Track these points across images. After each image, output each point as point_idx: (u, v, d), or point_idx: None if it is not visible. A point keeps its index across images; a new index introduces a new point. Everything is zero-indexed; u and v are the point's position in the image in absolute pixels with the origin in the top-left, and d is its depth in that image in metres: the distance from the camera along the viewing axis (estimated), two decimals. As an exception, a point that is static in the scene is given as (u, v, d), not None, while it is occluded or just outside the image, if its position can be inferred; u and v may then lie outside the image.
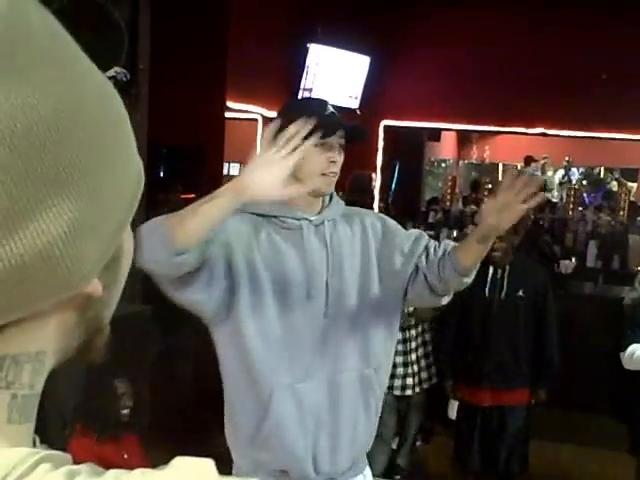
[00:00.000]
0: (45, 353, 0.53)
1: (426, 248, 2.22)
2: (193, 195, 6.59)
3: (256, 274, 2.05)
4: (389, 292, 2.23)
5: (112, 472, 0.50)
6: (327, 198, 2.19)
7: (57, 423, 3.39)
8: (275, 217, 2.10)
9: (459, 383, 4.33)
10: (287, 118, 1.93)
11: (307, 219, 2.13)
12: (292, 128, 1.81)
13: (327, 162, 2.05)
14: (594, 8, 7.95)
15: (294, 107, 2.20)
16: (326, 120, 2.03)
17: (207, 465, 0.51)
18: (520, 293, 4.10)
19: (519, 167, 12.91)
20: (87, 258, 0.48)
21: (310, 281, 2.10)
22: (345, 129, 2.12)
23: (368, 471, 2.35)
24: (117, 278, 0.57)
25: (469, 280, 2.20)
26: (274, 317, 2.07)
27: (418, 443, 5.19)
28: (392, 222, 2.32)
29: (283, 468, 2.14)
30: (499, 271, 4.09)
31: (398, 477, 4.41)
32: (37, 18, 0.46)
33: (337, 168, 2.09)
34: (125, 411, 3.30)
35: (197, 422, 4.83)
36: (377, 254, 2.22)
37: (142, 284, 4.75)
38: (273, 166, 1.79)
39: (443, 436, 5.15)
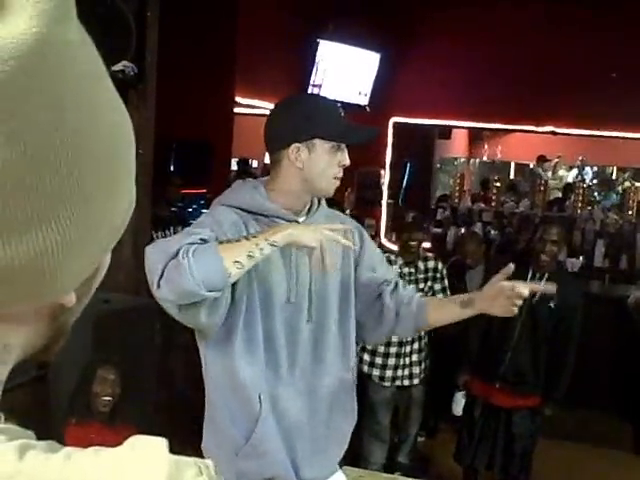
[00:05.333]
0: (13, 346, 0.56)
1: (396, 283, 2.27)
2: (203, 190, 6.62)
3: (249, 277, 2.02)
4: (358, 300, 2.25)
5: (65, 449, 0.52)
6: (316, 200, 2.18)
7: (62, 417, 3.42)
8: (264, 216, 2.07)
9: (474, 378, 4.29)
10: (307, 118, 2.01)
11: (296, 221, 2.09)
12: (342, 230, 2.01)
13: (338, 166, 2.07)
14: (606, 5, 7.92)
15: (315, 108, 2.09)
16: (348, 128, 2.08)
17: (160, 443, 0.52)
18: (551, 304, 4.03)
19: (531, 166, 12.87)
20: (70, 272, 0.51)
21: (291, 285, 2.09)
22: (367, 139, 2.17)
23: (340, 473, 2.35)
24: (89, 291, 0.59)
25: (413, 335, 2.25)
26: (258, 322, 2.05)
27: (422, 439, 5.19)
28: (367, 236, 2.35)
29: (267, 476, 2.13)
30: (537, 276, 4.02)
31: (399, 473, 4.41)
32: (76, 44, 0.48)
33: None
34: (106, 398, 3.29)
35: (198, 414, 4.85)
36: (355, 261, 2.24)
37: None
38: (316, 232, 1.90)
39: (448, 433, 5.16)
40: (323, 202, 2.21)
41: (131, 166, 0.55)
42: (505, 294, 2.03)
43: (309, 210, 2.16)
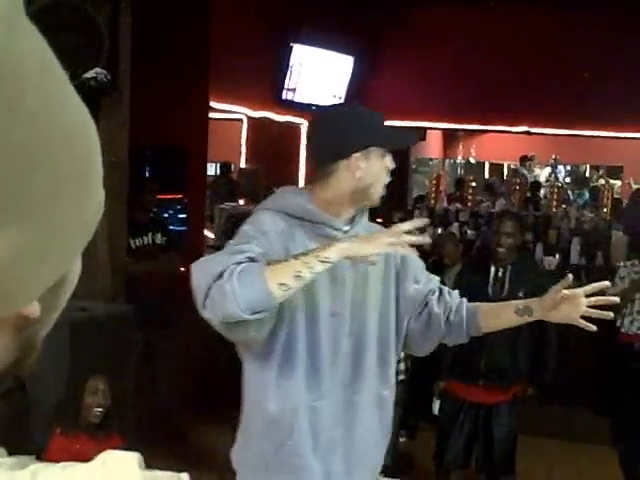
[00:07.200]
0: None
1: (440, 289, 2.23)
2: (179, 195, 6.60)
3: None
4: (401, 315, 2.21)
5: (32, 466, 0.51)
6: (359, 211, 2.16)
7: (43, 426, 3.39)
8: (310, 222, 2.05)
9: (453, 379, 4.26)
10: (360, 128, 2.04)
11: (342, 230, 2.08)
12: (409, 224, 1.96)
13: (388, 172, 2.10)
14: (576, 6, 8.00)
15: (365, 117, 2.10)
16: (395, 133, 2.18)
17: (131, 459, 0.52)
18: (521, 294, 3.96)
19: (512, 166, 12.96)
20: (28, 283, 0.48)
21: (335, 296, 2.07)
22: (414, 141, 2.44)
23: None
24: (58, 301, 0.56)
25: (466, 341, 2.22)
26: (302, 333, 2.03)
27: (403, 439, 5.20)
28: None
29: None
30: (500, 270, 4.03)
31: (382, 474, 4.40)
32: (30, 45, 0.46)
33: None
34: (98, 409, 3.27)
35: (178, 422, 4.84)
36: (396, 275, 2.20)
37: (124, 284, 4.76)
38: (376, 243, 1.89)
39: (428, 432, 5.17)
40: (365, 213, 2.19)
41: (97, 167, 0.52)
42: (572, 302, 2.02)
43: (352, 220, 2.13)
